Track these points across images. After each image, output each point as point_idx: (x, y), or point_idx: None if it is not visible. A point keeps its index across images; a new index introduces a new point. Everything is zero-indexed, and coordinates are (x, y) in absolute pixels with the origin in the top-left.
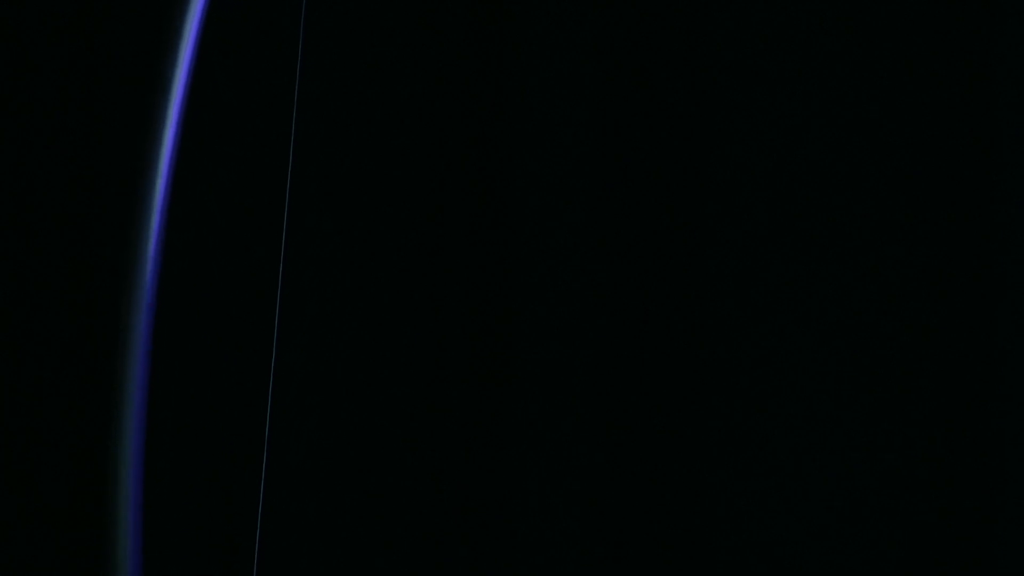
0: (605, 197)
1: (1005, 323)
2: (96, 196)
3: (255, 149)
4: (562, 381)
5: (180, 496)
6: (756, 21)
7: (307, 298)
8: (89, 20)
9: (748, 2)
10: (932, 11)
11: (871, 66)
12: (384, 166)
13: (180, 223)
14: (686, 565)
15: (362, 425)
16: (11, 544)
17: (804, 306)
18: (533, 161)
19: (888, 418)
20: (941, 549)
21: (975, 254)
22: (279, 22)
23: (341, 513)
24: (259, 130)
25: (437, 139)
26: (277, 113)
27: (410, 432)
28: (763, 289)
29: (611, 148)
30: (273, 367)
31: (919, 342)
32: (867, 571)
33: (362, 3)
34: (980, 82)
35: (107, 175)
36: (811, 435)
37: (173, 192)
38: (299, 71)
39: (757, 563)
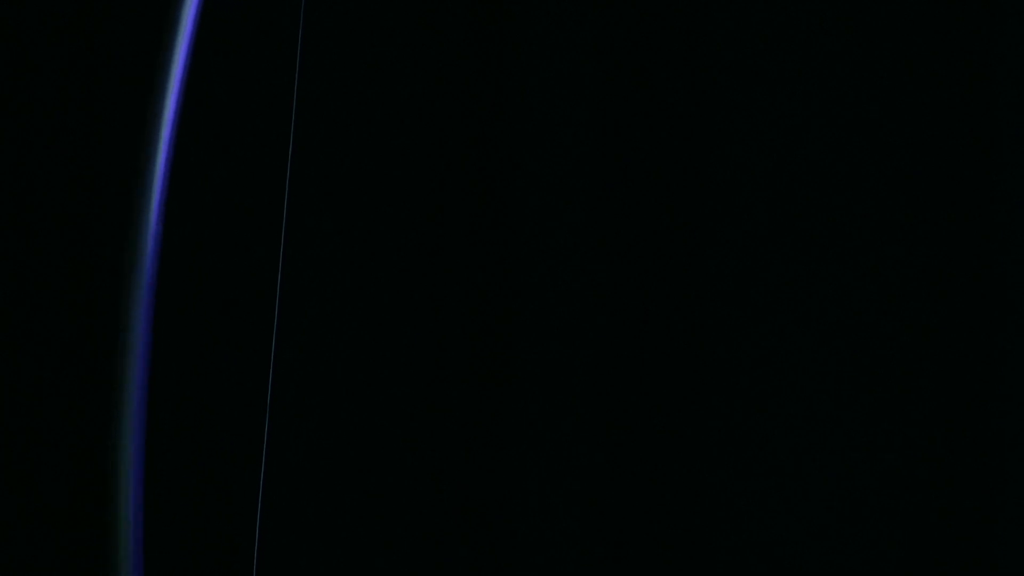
0: (605, 197)
1: (1005, 323)
2: (96, 196)
3: (254, 149)
4: (562, 381)
5: (180, 496)
6: (756, 21)
7: (307, 298)
8: (89, 20)
9: (748, 2)
10: (932, 11)
11: (871, 66)
12: (384, 166)
13: (180, 223)
14: (686, 565)
15: (362, 425)
16: (11, 544)
17: (804, 306)
18: (533, 161)
19: (888, 418)
20: (941, 549)
21: (975, 254)
22: (278, 21)
23: (341, 513)
24: (258, 130)
25: (437, 139)
26: (276, 112)
27: (410, 432)
28: (763, 289)
29: (611, 148)
30: (272, 367)
31: (919, 342)
32: (867, 571)
33: (362, 3)
34: (980, 82)
35: (107, 175)
36: (811, 435)
37: (172, 192)
38: (298, 71)
39: (757, 563)
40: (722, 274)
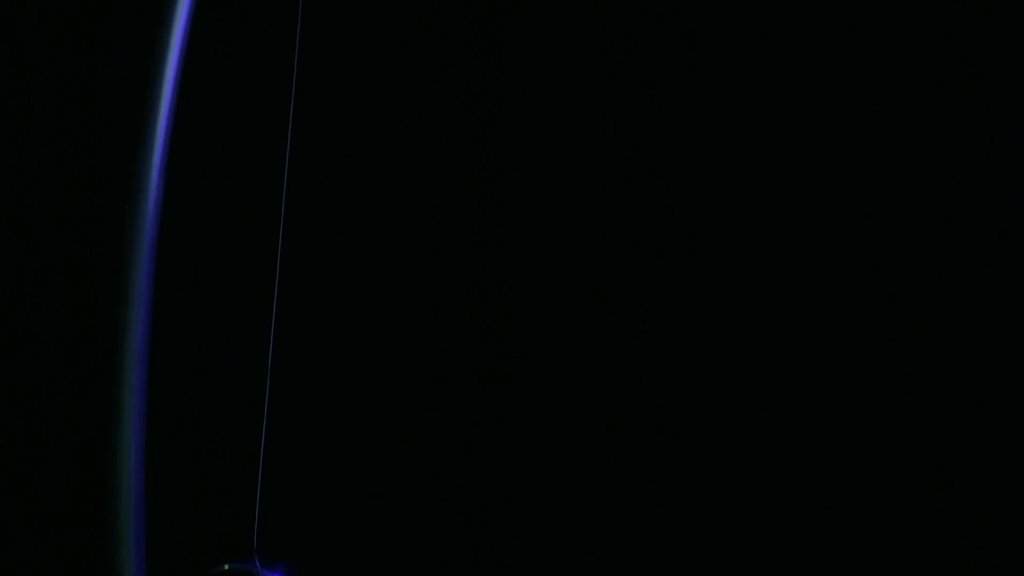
0: (605, 197)
1: (1005, 323)
2: (96, 196)
3: (253, 148)
4: (562, 381)
5: (180, 496)
6: (756, 21)
7: (306, 298)
8: (89, 20)
9: (748, 2)
10: (932, 11)
11: (871, 66)
12: (383, 165)
13: (179, 223)
14: (686, 565)
15: (362, 425)
16: (11, 544)
17: (804, 306)
18: (533, 161)
19: (888, 418)
20: (941, 549)
21: (975, 254)
22: (277, 21)
23: (341, 513)
24: (257, 129)
25: (437, 139)
26: (275, 112)
27: (410, 432)
28: (763, 289)
29: (611, 148)
30: (271, 366)
31: (919, 342)
32: (867, 571)
33: (361, 2)
34: (980, 82)
35: (106, 175)
36: (811, 435)
37: (171, 191)
38: (296, 70)
39: (757, 563)
40: (722, 274)
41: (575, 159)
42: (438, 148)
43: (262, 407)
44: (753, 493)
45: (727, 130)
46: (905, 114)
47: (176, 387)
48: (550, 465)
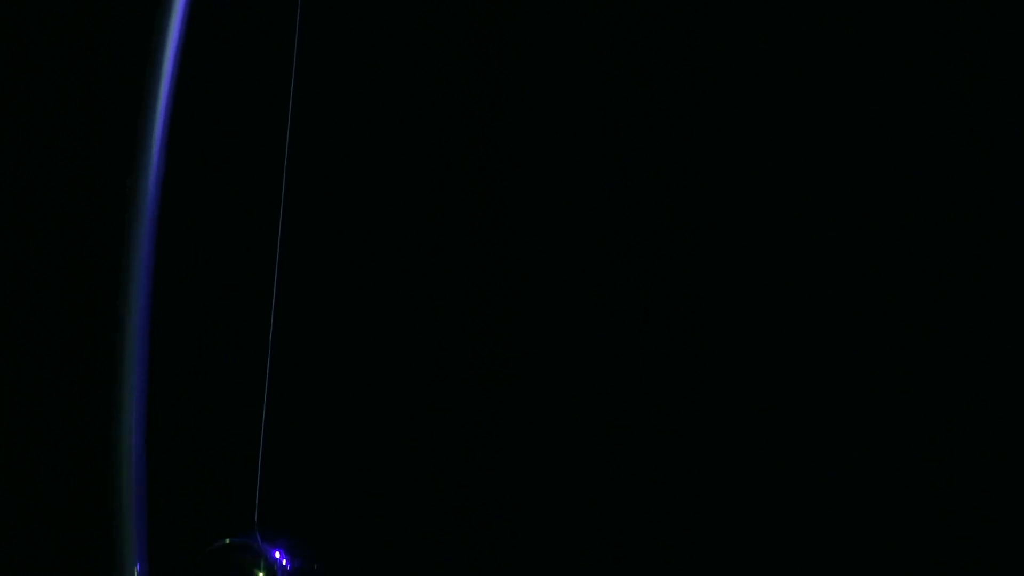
0: (605, 197)
1: (1005, 323)
2: (96, 196)
3: (253, 148)
4: (562, 381)
5: (179, 496)
6: (756, 21)
7: (306, 298)
8: (88, 20)
9: (748, 2)
10: (932, 11)
11: (871, 66)
12: (383, 165)
13: (178, 222)
14: (686, 565)
15: (362, 425)
16: (11, 544)
17: (804, 306)
18: (533, 161)
19: (888, 418)
20: (941, 549)
21: (975, 254)
22: (277, 20)
23: (340, 512)
24: (257, 129)
25: (437, 139)
26: (275, 111)
27: (410, 432)
28: (763, 289)
29: (611, 148)
30: (269, 366)
31: (919, 342)
32: (867, 571)
33: (361, 2)
34: (980, 82)
35: (107, 175)
36: (811, 435)
37: (170, 191)
38: (295, 70)
39: (757, 563)
40: (722, 274)
41: (575, 159)
42: (438, 148)
43: (261, 406)
44: (753, 493)
45: (727, 130)
46: (905, 114)
47: (176, 386)
48: (550, 465)
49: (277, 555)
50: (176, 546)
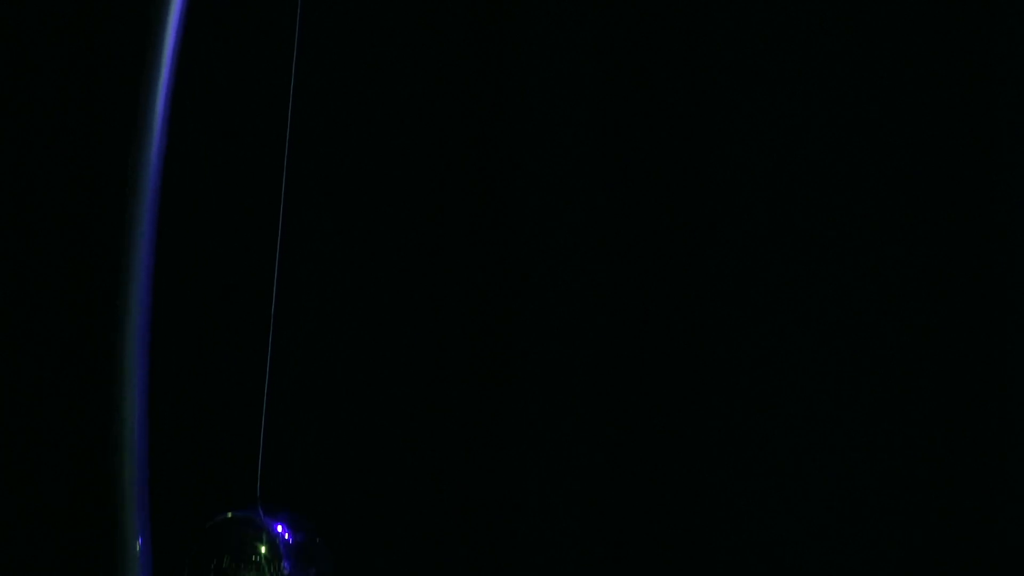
0: (605, 197)
1: (1005, 323)
2: (96, 196)
3: (253, 148)
4: (562, 381)
5: (179, 496)
6: (756, 21)
7: (306, 297)
8: (88, 20)
9: (748, 2)
10: (932, 11)
11: (871, 66)
12: (383, 165)
13: (178, 222)
14: (686, 565)
15: (362, 425)
16: (11, 544)
17: (804, 306)
18: (533, 161)
19: (888, 418)
20: (941, 549)
21: (975, 254)
22: (277, 20)
23: (340, 512)
24: (257, 129)
25: (437, 139)
26: (275, 111)
27: (410, 432)
28: (763, 289)
29: (611, 148)
30: (269, 366)
31: (919, 342)
32: (867, 571)
33: (361, 1)
34: (980, 82)
35: (107, 175)
36: (811, 435)
37: (170, 191)
38: (294, 69)
39: (757, 563)
40: (722, 274)
41: (575, 159)
42: (438, 148)
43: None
44: (753, 493)
45: (727, 130)
46: (905, 114)
47: (176, 386)
48: (550, 465)
49: (279, 529)
50: (178, 520)
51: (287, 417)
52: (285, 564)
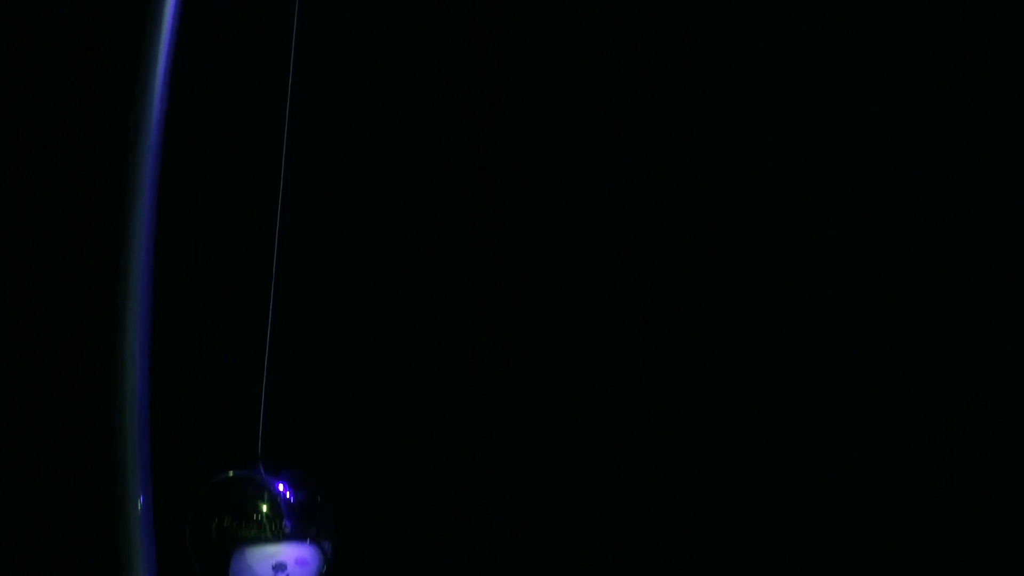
0: (605, 197)
1: (1006, 323)
2: (96, 196)
3: (253, 148)
4: (562, 381)
5: (178, 496)
6: (756, 21)
7: (305, 297)
8: (88, 20)
9: (748, 2)
10: (932, 11)
11: (871, 66)
12: (383, 165)
13: (177, 222)
14: (686, 565)
15: (362, 425)
16: (11, 544)
17: (804, 306)
18: (533, 161)
19: (888, 418)
20: (941, 549)
21: (975, 254)
22: (276, 20)
23: (340, 512)
24: (256, 129)
25: (437, 139)
26: (274, 111)
27: (410, 432)
28: (763, 289)
29: (611, 148)
30: (267, 366)
31: (919, 342)
32: (867, 571)
33: (361, 1)
34: (980, 82)
35: (106, 175)
36: (811, 435)
37: (169, 192)
38: (292, 69)
39: (757, 563)
40: (722, 274)
41: (575, 159)
42: (438, 148)
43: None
44: (753, 493)
45: (727, 130)
46: (905, 114)
47: (176, 386)
48: (550, 465)
49: (280, 487)
50: (180, 478)
51: (287, 408)
52: (286, 523)
